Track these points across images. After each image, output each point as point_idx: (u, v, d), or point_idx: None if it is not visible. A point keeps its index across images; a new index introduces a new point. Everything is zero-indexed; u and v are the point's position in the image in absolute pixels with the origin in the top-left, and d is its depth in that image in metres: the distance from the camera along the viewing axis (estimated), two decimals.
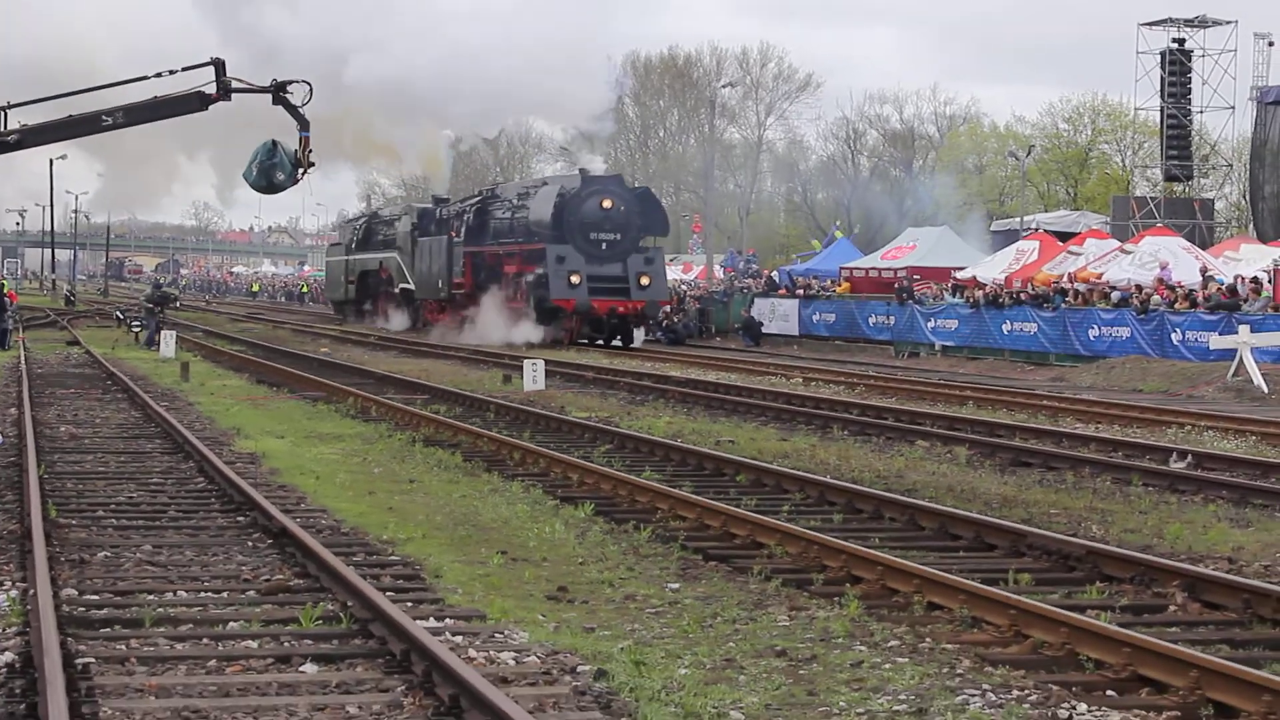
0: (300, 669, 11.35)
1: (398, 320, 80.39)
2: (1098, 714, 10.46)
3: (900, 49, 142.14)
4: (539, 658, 11.57)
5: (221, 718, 10.06)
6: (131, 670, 11.19)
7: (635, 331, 64.22)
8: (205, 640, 12.16)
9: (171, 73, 28.41)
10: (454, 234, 72.41)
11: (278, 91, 28.64)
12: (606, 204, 62.70)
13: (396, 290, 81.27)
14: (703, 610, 13.52)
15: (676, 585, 14.70)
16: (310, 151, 29.26)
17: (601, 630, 12.68)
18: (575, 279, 61.12)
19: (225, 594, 14.02)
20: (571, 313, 61.87)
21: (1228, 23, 75.41)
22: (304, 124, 28.53)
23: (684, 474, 22.72)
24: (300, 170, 28.82)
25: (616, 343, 63.23)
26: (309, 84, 28.92)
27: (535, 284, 62.72)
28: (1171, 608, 14.04)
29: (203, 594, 14.00)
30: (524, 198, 68.63)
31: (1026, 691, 10.96)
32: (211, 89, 28.52)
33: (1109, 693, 11.13)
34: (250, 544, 16.53)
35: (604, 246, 62.77)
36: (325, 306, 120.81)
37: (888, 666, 11.62)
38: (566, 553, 16.40)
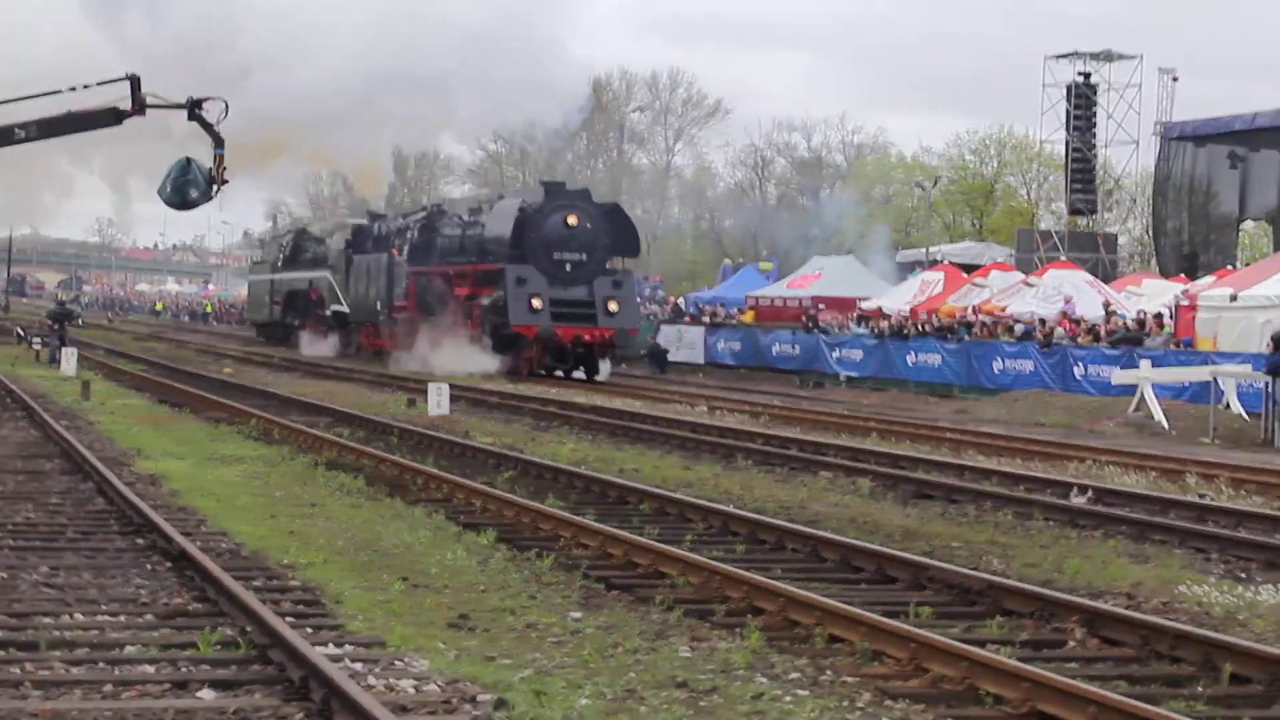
0: (198, 695, 11.29)
1: (327, 345, 73.92)
2: None
3: (810, 77, 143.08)
4: (439, 686, 11.54)
5: None
6: (26, 694, 11.09)
7: (601, 363, 57.33)
8: (101, 664, 12.09)
9: (86, 87, 28.28)
10: (395, 252, 66.42)
11: (193, 108, 28.54)
12: (572, 220, 56.43)
13: (328, 312, 74.23)
14: (604, 640, 13.50)
15: (578, 614, 14.67)
16: (225, 169, 29.21)
17: (502, 659, 12.64)
18: (537, 303, 54.78)
19: (123, 617, 13.91)
20: (532, 340, 55.22)
21: (1133, 57, 76.07)
22: (219, 141, 28.47)
23: (587, 501, 22.71)
24: (215, 187, 28.77)
25: (579, 375, 56.73)
26: (225, 101, 28.83)
27: (491, 308, 56.63)
28: (1071, 643, 14.10)
29: (100, 617, 13.89)
30: (476, 213, 63.63)
31: None
32: (126, 104, 28.40)
33: None
34: (149, 567, 16.43)
35: (568, 268, 56.44)
36: (231, 326, 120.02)
37: (788, 699, 11.63)
38: (468, 580, 16.35)
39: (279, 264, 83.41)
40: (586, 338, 55.34)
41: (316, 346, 73.89)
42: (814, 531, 19.27)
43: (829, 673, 12.59)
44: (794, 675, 12.45)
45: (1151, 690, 12.24)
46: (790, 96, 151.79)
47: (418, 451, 28.71)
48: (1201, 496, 24.65)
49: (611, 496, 23.14)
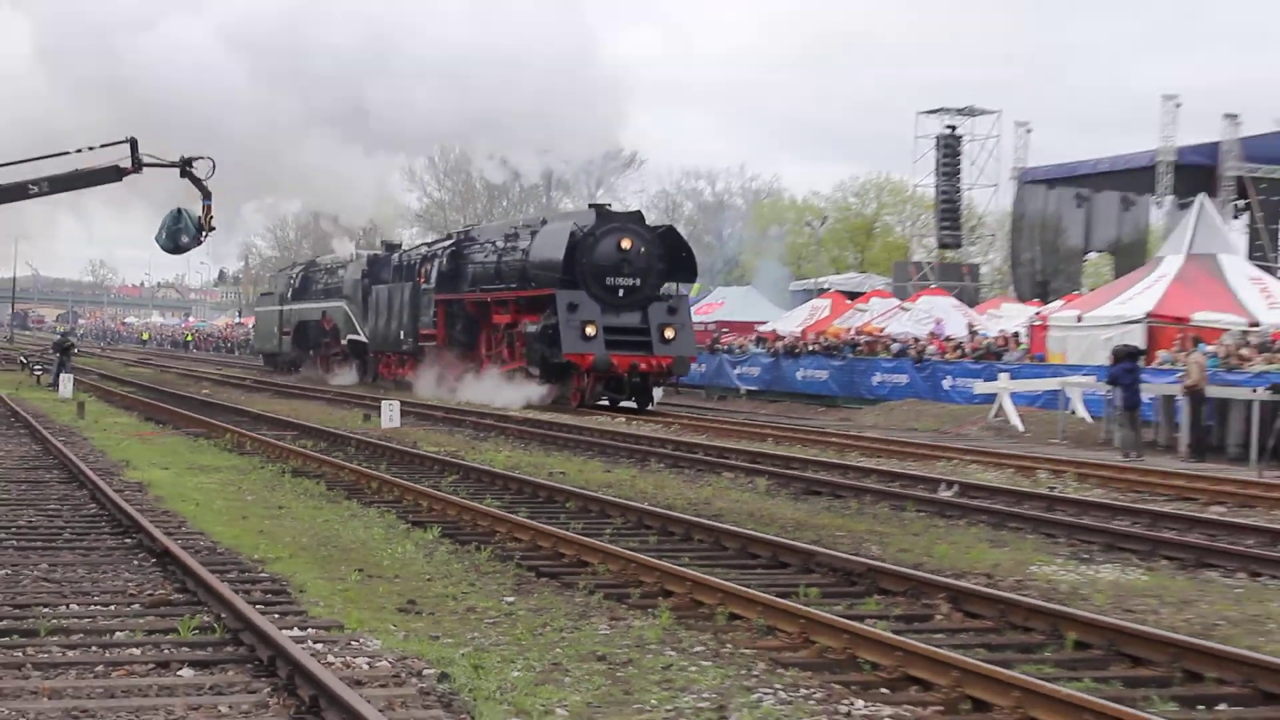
0: (178, 673, 11.23)
1: (344, 374, 65.28)
2: (872, 709, 10.53)
3: (715, 130, 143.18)
4: (390, 663, 11.50)
5: (107, 717, 9.94)
6: (27, 675, 11.02)
7: (655, 390, 48.88)
8: (94, 648, 12.00)
9: (90, 149, 28.37)
10: (422, 280, 57.25)
11: (184, 166, 28.62)
12: (625, 244, 46.58)
13: (344, 342, 66.20)
14: (534, 620, 13.49)
15: (512, 599, 14.66)
16: (212, 217, 29.30)
17: (445, 638, 12.62)
18: (591, 330, 45.25)
19: (112, 607, 13.82)
20: (587, 370, 45.74)
21: (992, 112, 76.43)
22: (206, 194, 28.78)
23: (520, 501, 22.66)
24: (203, 233, 28.89)
25: (628, 404, 47.80)
26: (212, 160, 28.93)
27: (539, 336, 46.98)
28: (938, 617, 14.16)
29: (92, 607, 13.80)
30: (514, 239, 52.80)
31: (813, 690, 11.02)
32: (127, 163, 28.45)
33: (883, 690, 11.23)
34: (136, 563, 16.31)
35: (621, 293, 46.54)
36: (209, 353, 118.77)
37: (693, 669, 11.65)
38: (416, 570, 16.31)
39: (288, 296, 75.75)
40: (643, 366, 46.02)
41: (333, 375, 66.23)
42: (717, 524, 19.29)
43: (729, 646, 12.62)
44: (699, 648, 12.47)
45: (1007, 656, 12.30)
46: (697, 148, 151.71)
47: (372, 460, 28.58)
48: (1051, 489, 24.82)
49: (541, 496, 23.10)
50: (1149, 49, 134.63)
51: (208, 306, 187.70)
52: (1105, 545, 18.99)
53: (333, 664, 11.26)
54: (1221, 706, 10.92)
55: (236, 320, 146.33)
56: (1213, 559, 17.76)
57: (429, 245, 59.99)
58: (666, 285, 48.94)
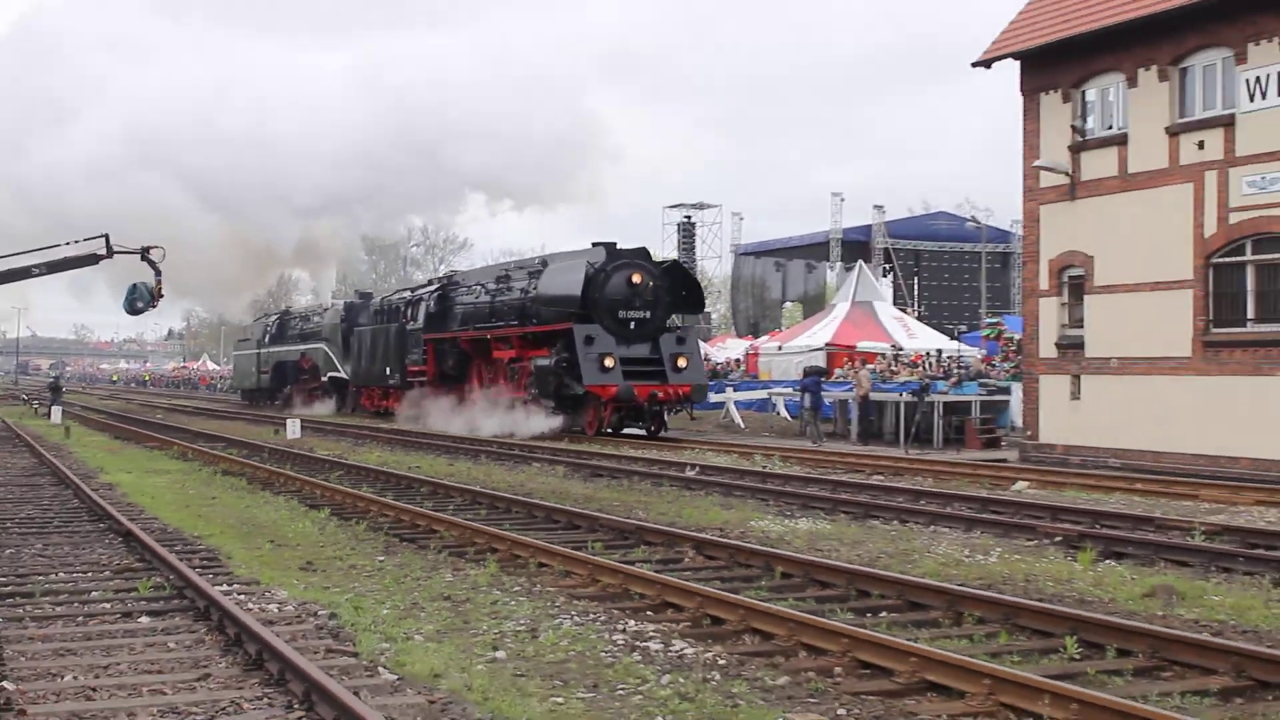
0: (139, 620, 10.90)
1: (323, 405, 56.74)
2: (640, 627, 10.50)
3: (522, 221, 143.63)
4: (293, 607, 11.28)
5: (84, 653, 9.63)
6: (25, 625, 10.65)
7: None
8: (75, 604, 11.62)
9: (75, 242, 28.75)
10: (408, 321, 47.11)
11: (144, 253, 28.72)
12: (636, 279, 37.31)
13: (325, 378, 57.42)
14: (398, 573, 13.30)
15: (382, 558, 14.44)
16: (161, 289, 29.42)
17: (334, 588, 12.38)
18: (609, 362, 35.97)
19: (89, 574, 13.38)
20: (609, 400, 35.80)
21: (716, 205, 77.28)
22: (158, 272, 28.77)
23: (388, 488, 22.36)
24: (155, 301, 29.07)
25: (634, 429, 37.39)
26: (163, 248, 29.26)
27: (554, 369, 36.73)
28: (686, 559, 14.19)
29: (74, 574, 13.34)
30: (506, 280, 42.50)
31: (599, 615, 10.98)
32: (102, 250, 28.50)
33: (648, 613, 11.20)
34: (107, 541, 15.82)
35: (633, 325, 37.12)
36: (162, 389, 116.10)
37: (514, 603, 11.55)
38: (312, 540, 16.00)
39: (265, 340, 66.16)
40: (661, 395, 36.65)
41: (312, 407, 56.90)
42: (529, 500, 19.17)
43: (539, 586, 12.52)
44: (517, 588, 12.37)
45: (735, 585, 12.35)
46: (512, 233, 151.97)
47: (280, 461, 28.00)
48: (764, 467, 25.00)
49: (403, 484, 22.79)
50: (823, 160, 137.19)
51: (160, 355, 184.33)
52: (802, 505, 19.17)
53: (251, 609, 11.02)
54: (883, 614, 11.04)
55: (181, 364, 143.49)
56: (875, 512, 17.98)
57: (411, 291, 50.13)
58: (671, 318, 39.98)
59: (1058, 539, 15.03)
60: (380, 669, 9.03)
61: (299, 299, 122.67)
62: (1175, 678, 8.82)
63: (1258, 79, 26.49)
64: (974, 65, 31.83)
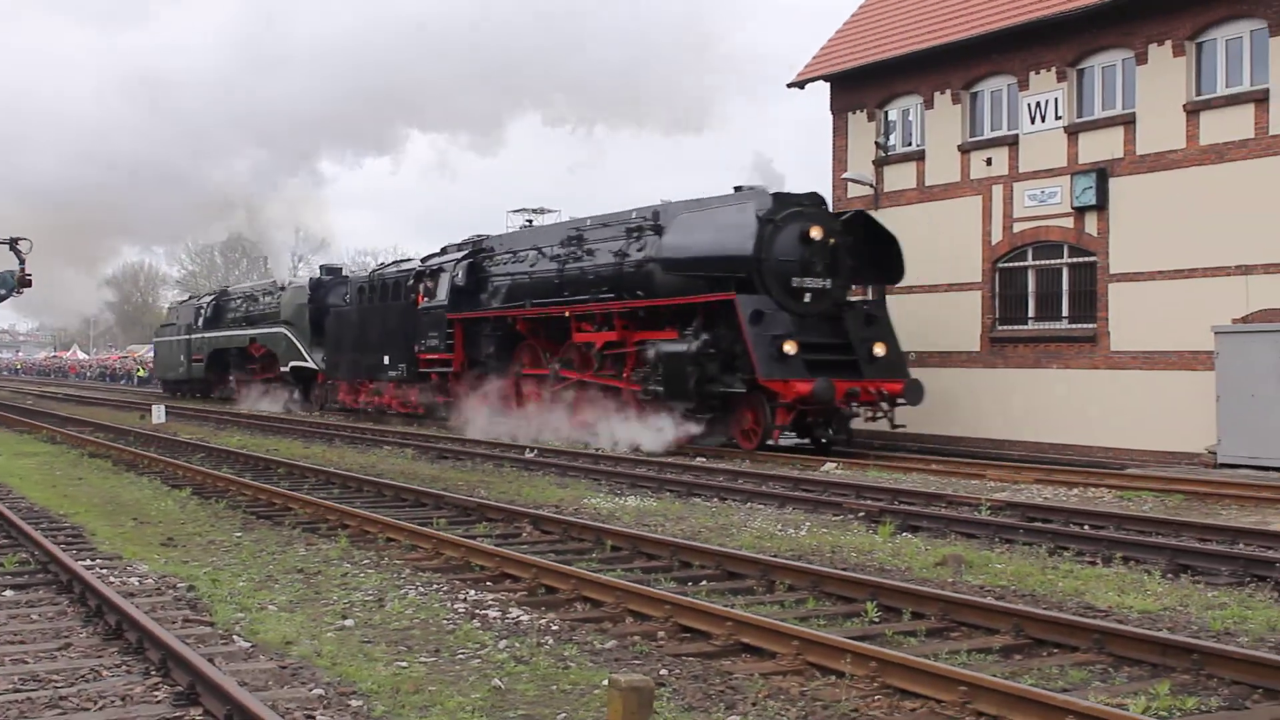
0: (3, 594, 10.51)
1: (278, 401, 44.22)
2: (480, 596, 10.40)
3: (378, 222, 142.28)
4: (154, 580, 10.96)
5: None
6: None
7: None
8: None
9: None
10: (421, 299, 34.00)
11: (12, 244, 28.17)
12: (814, 233, 24.61)
13: (286, 369, 44.05)
14: (255, 548, 13.00)
15: (240, 534, 14.11)
16: (27, 274, 28.83)
17: (193, 563, 12.06)
18: (790, 348, 23.55)
19: None
20: (793, 401, 23.42)
21: (555, 210, 76.78)
22: (22, 261, 28.16)
23: (247, 469, 21.85)
24: (19, 288, 28.63)
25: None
26: (30, 240, 28.98)
27: (694, 357, 24.19)
28: (524, 534, 14.11)
29: None
30: (579, 242, 29.17)
31: (442, 585, 10.85)
32: None
33: (488, 584, 11.09)
34: None
35: (808, 299, 24.67)
36: (37, 376, 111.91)
37: (363, 575, 11.38)
38: (174, 517, 15.58)
39: (197, 325, 52.96)
40: (861, 395, 23.95)
41: (262, 402, 45.21)
42: (379, 480, 18.87)
43: (387, 559, 12.34)
44: (366, 561, 12.19)
45: (568, 557, 12.28)
46: (366, 233, 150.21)
47: (144, 444, 27.26)
48: (597, 450, 24.97)
49: (261, 466, 22.29)
50: (655, 172, 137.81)
51: (32, 345, 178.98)
52: (630, 484, 19.19)
53: (113, 583, 10.68)
54: (704, 582, 11.08)
55: (52, 354, 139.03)
56: (698, 490, 18.07)
57: (421, 262, 35.78)
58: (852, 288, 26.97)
59: (861, 514, 15.24)
60: (235, 637, 8.82)
61: (168, 293, 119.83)
62: (963, 637, 8.98)
63: (1038, 104, 27.19)
64: (789, 86, 32.20)
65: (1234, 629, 9.21)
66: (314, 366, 42.48)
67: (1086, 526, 13.93)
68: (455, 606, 9.93)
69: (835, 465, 21.25)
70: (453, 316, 32.33)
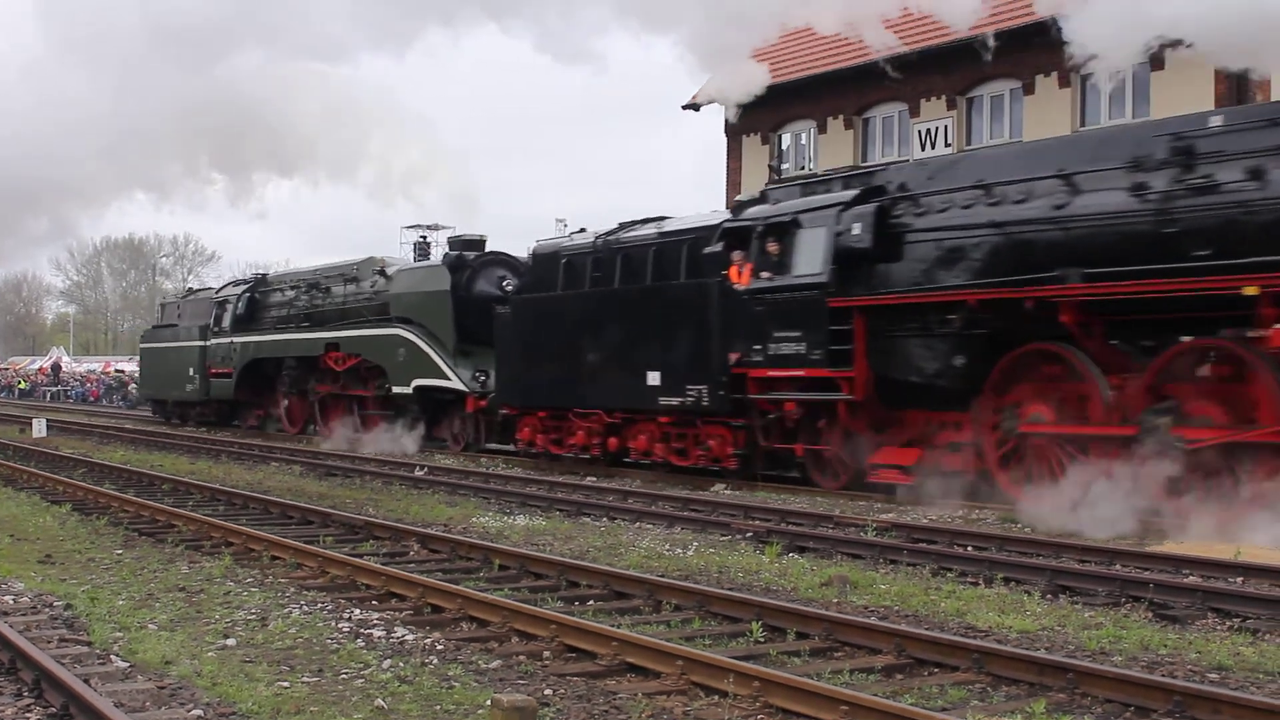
0: None
1: (397, 437, 29.72)
2: (365, 615, 10.30)
3: (267, 236, 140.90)
4: (30, 599, 10.71)
5: None
6: None
7: None
8: None
9: None
10: (745, 277, 19.99)
11: None
12: None
13: (402, 388, 29.58)
14: (136, 565, 12.80)
15: (121, 551, 13.87)
16: None
17: (71, 580, 11.83)
18: None
19: None
20: None
21: (450, 227, 76.23)
22: None
23: (130, 485, 21.44)
24: None
25: None
26: None
27: None
28: (411, 552, 14.02)
29: None
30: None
31: (326, 604, 10.73)
32: None
33: (373, 602, 11.00)
34: None
35: None
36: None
37: (246, 594, 11.23)
38: (53, 534, 15.29)
39: (221, 325, 38.32)
40: None
41: (378, 440, 29.95)
42: (265, 496, 18.66)
43: (271, 577, 12.20)
44: (250, 579, 12.03)
45: (456, 576, 12.22)
46: (260, 246, 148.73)
47: (24, 459, 26.66)
48: (488, 469, 24.88)
49: (144, 481, 21.91)
50: (549, 187, 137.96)
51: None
52: (520, 503, 19.13)
53: None
54: (591, 602, 11.09)
55: None
56: (587, 510, 18.05)
57: (733, 212, 21.91)
58: None
59: (749, 534, 15.34)
60: (112, 657, 8.67)
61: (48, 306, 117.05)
62: (846, 657, 9.07)
63: (928, 130, 27.67)
64: (684, 108, 32.43)
65: (1109, 648, 9.40)
66: (460, 387, 27.76)
67: (970, 548, 14.14)
68: (340, 626, 9.84)
69: (724, 486, 21.36)
70: (844, 303, 18.70)
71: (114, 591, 11.26)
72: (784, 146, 31.24)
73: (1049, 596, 11.59)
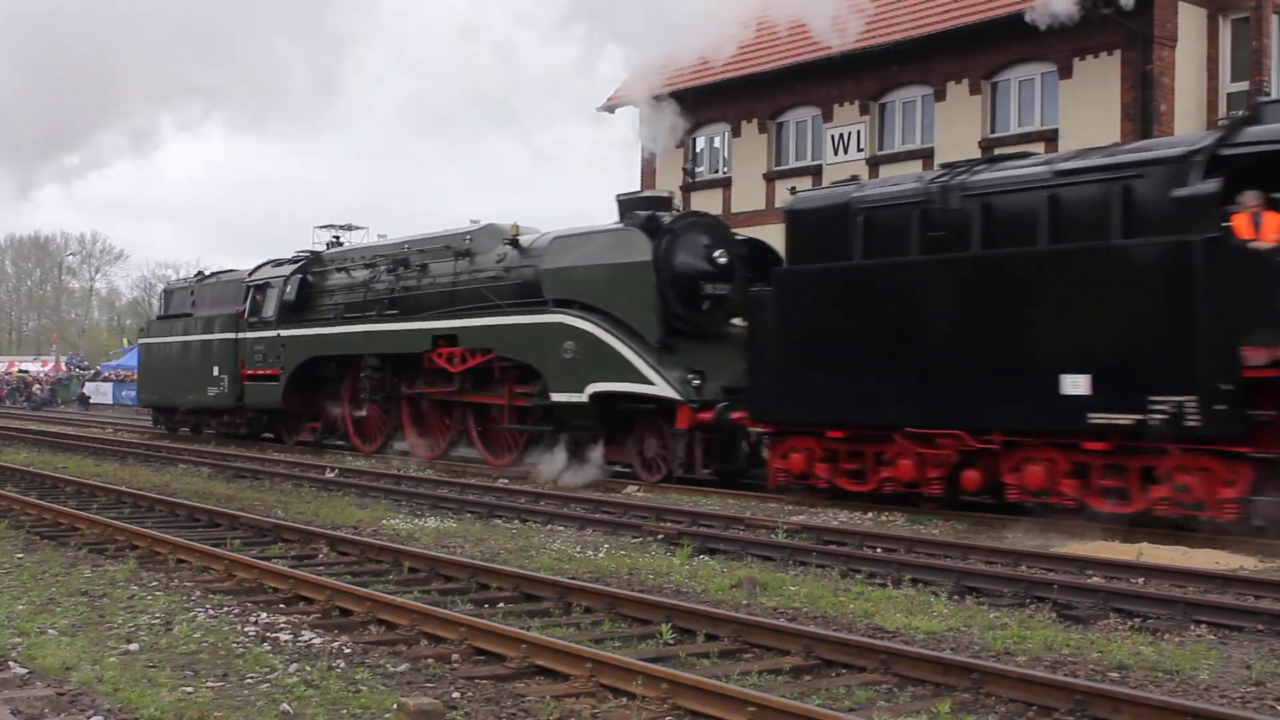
0: None
1: (577, 470, 21.69)
2: (273, 619, 10.18)
3: (177, 235, 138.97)
4: None
5: None
6: None
7: None
8: None
9: None
10: (1253, 231, 13.31)
11: None
12: None
13: (560, 396, 21.76)
14: (37, 569, 12.53)
15: (21, 555, 13.57)
16: None
17: None
18: None
19: None
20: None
21: (363, 227, 75.61)
22: None
23: (33, 487, 21.06)
24: None
25: None
26: None
27: None
28: (321, 555, 13.90)
29: None
30: None
31: (233, 608, 10.60)
32: None
33: (281, 606, 10.89)
34: None
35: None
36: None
37: (150, 598, 11.06)
38: None
39: (261, 315, 31.34)
40: None
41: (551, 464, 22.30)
42: (172, 499, 18.42)
43: (177, 580, 12.03)
44: (155, 583, 11.85)
45: (365, 579, 12.13)
46: (169, 245, 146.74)
47: None
48: (400, 472, 24.71)
49: (48, 484, 21.53)
50: (460, 192, 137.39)
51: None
52: (431, 505, 19.02)
53: None
54: (501, 605, 11.05)
55: None
56: (499, 512, 18.01)
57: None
58: None
59: (660, 536, 15.37)
60: (11, 663, 8.49)
61: None
62: (755, 658, 9.12)
63: (841, 135, 27.90)
64: (600, 110, 32.45)
65: (1013, 649, 9.52)
66: (669, 393, 20.58)
67: (879, 549, 14.27)
68: (246, 629, 9.73)
69: (636, 488, 21.38)
70: None
71: (13, 596, 11.04)
72: (698, 149, 31.35)
73: (956, 598, 11.72)
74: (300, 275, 30.58)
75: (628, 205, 22.55)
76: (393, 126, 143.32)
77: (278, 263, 32.92)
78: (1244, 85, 25.10)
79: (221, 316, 32.64)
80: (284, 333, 29.81)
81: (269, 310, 30.76)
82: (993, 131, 25.85)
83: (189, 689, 7.93)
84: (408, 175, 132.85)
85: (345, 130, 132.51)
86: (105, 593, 11.33)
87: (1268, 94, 24.72)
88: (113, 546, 14.28)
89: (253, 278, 32.59)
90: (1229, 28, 25.48)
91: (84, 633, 9.59)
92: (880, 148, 27.40)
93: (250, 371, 31.06)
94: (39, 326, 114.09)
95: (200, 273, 37.79)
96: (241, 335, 31.57)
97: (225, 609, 10.58)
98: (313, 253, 32.39)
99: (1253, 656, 9.40)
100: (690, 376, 20.57)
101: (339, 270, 29.91)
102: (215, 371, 32.42)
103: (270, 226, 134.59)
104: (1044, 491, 15.73)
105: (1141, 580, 12.21)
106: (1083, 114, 24.48)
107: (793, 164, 28.73)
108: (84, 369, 75.24)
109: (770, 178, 28.89)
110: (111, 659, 8.72)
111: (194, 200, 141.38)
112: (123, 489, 20.06)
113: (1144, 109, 24.31)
